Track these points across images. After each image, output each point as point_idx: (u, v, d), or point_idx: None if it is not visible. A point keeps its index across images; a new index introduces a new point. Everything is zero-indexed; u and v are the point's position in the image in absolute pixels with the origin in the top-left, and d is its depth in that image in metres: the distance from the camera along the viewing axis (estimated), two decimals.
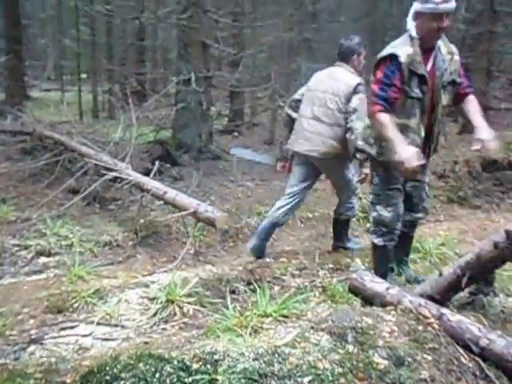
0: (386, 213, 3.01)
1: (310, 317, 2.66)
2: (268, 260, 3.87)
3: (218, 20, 8.61)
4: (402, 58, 2.65)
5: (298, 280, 3.36)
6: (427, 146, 2.96)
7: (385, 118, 2.67)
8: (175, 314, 2.42)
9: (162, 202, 5.16)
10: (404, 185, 3.05)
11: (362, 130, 3.26)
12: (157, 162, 5.92)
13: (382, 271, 3.15)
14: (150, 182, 4.97)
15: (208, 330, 2.14)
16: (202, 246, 4.65)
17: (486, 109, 8.96)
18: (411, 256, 3.82)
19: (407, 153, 2.55)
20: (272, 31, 10.52)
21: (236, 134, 11.91)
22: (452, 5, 2.57)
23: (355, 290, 2.78)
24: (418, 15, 2.66)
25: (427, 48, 2.72)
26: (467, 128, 9.00)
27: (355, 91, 3.65)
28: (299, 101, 4.05)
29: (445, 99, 2.83)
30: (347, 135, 3.65)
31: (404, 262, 3.38)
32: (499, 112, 10.50)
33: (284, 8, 10.46)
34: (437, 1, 2.53)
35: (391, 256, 3.21)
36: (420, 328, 2.09)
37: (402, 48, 2.70)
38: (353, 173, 4.03)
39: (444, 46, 2.79)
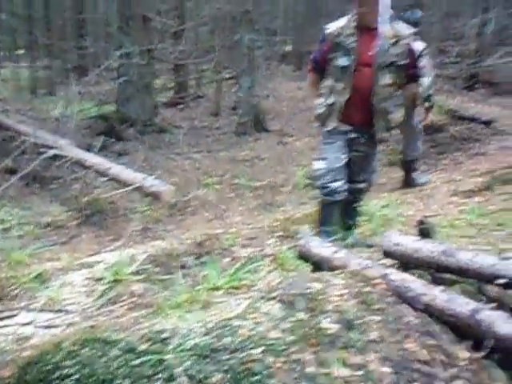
0: (317, 165, 3.22)
1: (261, 286, 2.61)
2: (217, 231, 3.79)
3: None
4: (329, 30, 3.06)
5: (247, 250, 3.30)
6: (369, 117, 3.08)
7: (310, 77, 3.33)
8: (123, 294, 2.30)
9: (106, 179, 4.94)
10: (349, 152, 3.18)
11: None
12: (100, 138, 5.65)
13: (323, 229, 3.26)
14: (92, 158, 4.74)
15: (157, 309, 2.04)
16: (150, 222, 4.50)
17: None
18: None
19: None
20: (213, 3, 10.21)
21: (181, 106, 11.60)
22: None
23: (304, 257, 2.77)
24: None
25: (366, 27, 2.98)
26: None
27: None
28: None
29: (385, 78, 2.99)
30: None
31: (349, 227, 3.40)
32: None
33: None
34: None
35: (332, 214, 3.29)
36: (367, 289, 2.09)
37: (336, 22, 3.09)
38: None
39: (391, 29, 2.96)
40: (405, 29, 3.05)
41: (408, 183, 5.17)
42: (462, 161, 6.78)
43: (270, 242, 3.68)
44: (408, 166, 5.19)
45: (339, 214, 3.35)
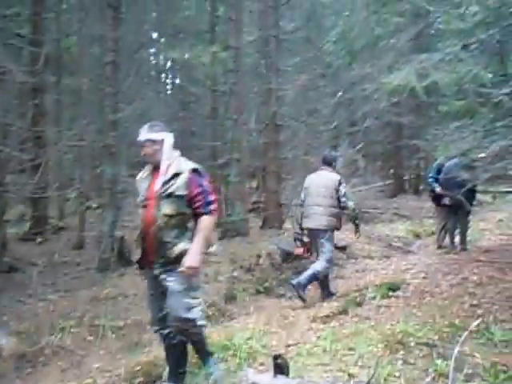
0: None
1: None
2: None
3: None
4: (137, 176, 3.44)
5: None
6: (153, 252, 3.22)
7: None
8: None
9: None
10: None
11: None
12: None
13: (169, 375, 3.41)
14: None
15: None
16: None
17: (279, 205, 10.08)
18: (222, 355, 3.89)
19: None
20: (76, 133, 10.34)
21: (39, 240, 11.01)
22: (142, 137, 3.33)
23: None
24: None
25: (155, 167, 3.32)
26: (267, 223, 9.93)
27: (340, 183, 5.61)
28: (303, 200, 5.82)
29: (166, 208, 3.17)
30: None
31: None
32: (292, 208, 11.92)
33: (84, 115, 10.49)
34: (140, 132, 3.35)
35: (169, 359, 3.47)
36: None
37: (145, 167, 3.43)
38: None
39: (174, 166, 3.25)
40: (186, 165, 3.28)
41: (325, 297, 5.79)
42: None
43: None
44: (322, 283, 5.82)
45: (177, 357, 3.39)
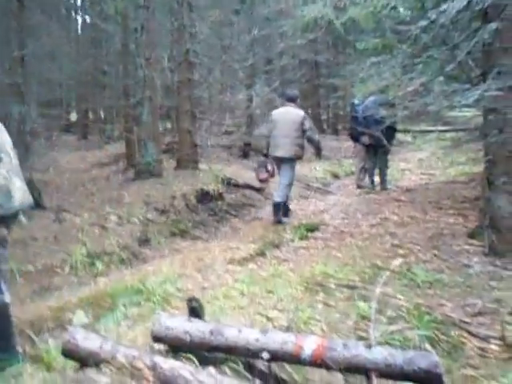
0: None
1: None
2: None
3: None
4: None
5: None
6: None
7: None
8: None
9: None
10: None
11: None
12: None
13: None
14: None
15: None
16: None
17: (194, 146, 9.88)
18: (135, 298, 3.80)
19: None
20: None
21: None
22: None
23: (70, 353, 2.56)
24: None
25: None
26: (182, 164, 9.72)
27: (305, 118, 6.31)
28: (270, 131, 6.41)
29: None
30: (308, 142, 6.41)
31: None
32: (207, 148, 11.74)
33: None
34: None
35: None
36: None
37: None
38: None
39: None
40: None
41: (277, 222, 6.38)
42: (240, 227, 7.34)
43: (37, 337, 3.36)
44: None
45: None
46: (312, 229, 5.74)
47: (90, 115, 19.61)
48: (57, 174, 11.02)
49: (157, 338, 2.36)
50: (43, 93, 15.66)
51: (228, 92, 10.78)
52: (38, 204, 7.83)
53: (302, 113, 6.39)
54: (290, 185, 6.47)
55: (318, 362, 2.13)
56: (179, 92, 9.93)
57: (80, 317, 3.66)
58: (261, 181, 7.02)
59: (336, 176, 11.43)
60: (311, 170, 11.74)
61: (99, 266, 5.70)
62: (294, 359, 2.18)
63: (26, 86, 8.29)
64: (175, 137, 11.27)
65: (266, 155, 6.57)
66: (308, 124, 6.32)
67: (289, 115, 6.36)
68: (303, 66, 17.65)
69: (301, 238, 5.43)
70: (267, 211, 8.01)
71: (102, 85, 16.55)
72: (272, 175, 6.68)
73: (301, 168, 12.31)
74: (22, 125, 8.04)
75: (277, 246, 5.29)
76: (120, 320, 3.36)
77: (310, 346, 2.14)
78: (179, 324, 2.32)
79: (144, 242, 6.45)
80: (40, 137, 9.04)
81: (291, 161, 6.34)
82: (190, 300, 2.50)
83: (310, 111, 18.84)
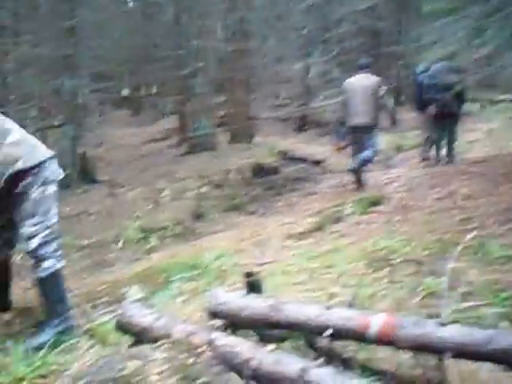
0: None
1: (73, 371, 2.31)
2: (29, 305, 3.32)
3: None
4: None
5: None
6: None
7: None
8: None
9: None
10: None
11: None
12: None
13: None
14: None
15: None
16: None
17: (249, 118, 9.72)
18: (190, 274, 3.76)
19: None
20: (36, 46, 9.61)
21: None
22: None
23: (125, 328, 2.52)
24: None
25: None
26: (236, 137, 9.60)
27: (380, 84, 6.34)
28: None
29: None
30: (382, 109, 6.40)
31: None
32: (262, 121, 11.53)
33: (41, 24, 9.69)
34: None
35: None
36: (191, 361, 1.96)
37: None
38: None
39: None
40: None
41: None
42: (297, 201, 7.20)
43: (92, 311, 3.37)
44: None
45: None
46: (374, 202, 5.49)
47: (143, 90, 19.76)
48: (109, 149, 11.23)
49: (213, 314, 2.27)
50: (94, 66, 15.91)
51: (283, 62, 10.48)
52: (91, 179, 8.03)
53: (376, 79, 6.41)
54: (376, 150, 6.43)
55: (385, 341, 1.97)
56: (234, 62, 9.70)
57: (135, 291, 3.63)
58: (338, 149, 7.10)
59: (399, 148, 10.96)
60: None
61: (153, 241, 5.74)
62: (359, 337, 2.02)
63: (78, 58, 8.33)
64: (229, 109, 11.15)
65: (342, 124, 6.67)
66: (383, 90, 6.34)
67: (365, 81, 6.38)
68: (362, 34, 16.95)
69: (362, 213, 5.21)
70: (325, 185, 7.84)
71: (153, 58, 16.57)
72: (347, 145, 6.82)
73: None
74: (73, 99, 8.12)
75: (336, 221, 5.12)
76: (175, 295, 3.31)
77: (376, 322, 1.97)
78: (236, 299, 2.21)
79: (198, 216, 6.44)
80: (92, 112, 9.17)
81: (372, 128, 6.34)
82: (248, 275, 2.38)
83: None
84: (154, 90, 19.92)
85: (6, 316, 3.11)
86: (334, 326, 2.00)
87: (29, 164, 2.69)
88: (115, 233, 5.88)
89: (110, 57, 17.72)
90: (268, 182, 7.59)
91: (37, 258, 2.73)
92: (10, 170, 2.63)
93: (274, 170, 7.81)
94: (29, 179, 2.70)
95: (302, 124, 12.88)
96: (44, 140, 9.85)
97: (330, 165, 8.96)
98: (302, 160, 8.72)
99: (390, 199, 5.52)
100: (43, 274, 2.73)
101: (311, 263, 3.66)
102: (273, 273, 3.57)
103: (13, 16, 11.15)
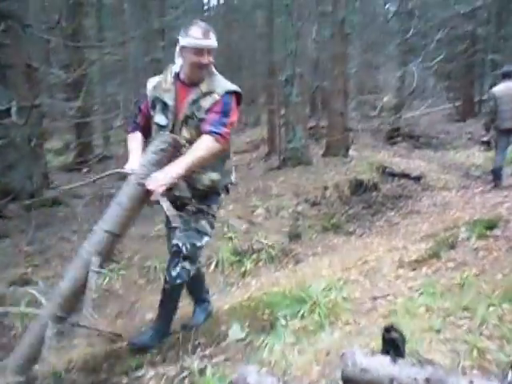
0: None
1: None
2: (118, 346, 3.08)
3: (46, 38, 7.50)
4: (149, 86, 2.91)
5: (160, 370, 2.64)
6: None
7: (129, 137, 2.91)
8: None
9: None
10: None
11: None
12: None
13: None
14: None
15: None
16: None
17: (345, 130, 9.20)
18: (297, 309, 3.36)
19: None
20: (116, 51, 9.72)
21: (85, 170, 10.82)
22: (211, 42, 2.67)
23: None
24: (181, 49, 2.74)
25: (190, 82, 2.77)
26: (330, 150, 9.12)
27: None
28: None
29: (187, 133, 2.73)
30: None
31: None
32: (357, 133, 10.97)
33: (129, 25, 9.85)
34: (196, 36, 2.63)
35: None
36: None
37: (156, 77, 2.98)
38: None
39: (206, 84, 2.75)
40: (224, 84, 2.78)
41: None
42: (398, 221, 6.66)
43: (191, 355, 3.04)
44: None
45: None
46: (490, 226, 4.86)
47: None
48: None
49: (349, 380, 1.86)
50: None
51: (378, 70, 9.88)
52: None
53: None
54: None
55: None
56: (332, 68, 9.12)
57: (236, 331, 3.27)
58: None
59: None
60: (468, 156, 10.64)
61: (247, 264, 5.43)
62: None
63: (167, 63, 8.30)
64: (319, 119, 10.68)
65: (487, 129, 7.38)
66: None
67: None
68: (458, 41, 15.91)
69: (478, 237, 4.60)
70: (425, 204, 7.25)
71: (241, 64, 16.38)
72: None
73: (457, 154, 11.17)
74: None
75: (451, 247, 4.55)
76: (283, 339, 2.91)
77: None
78: (381, 366, 1.79)
79: (294, 237, 6.04)
80: None
81: None
82: (388, 329, 1.94)
83: (461, 92, 17.01)
84: None
85: None
86: None
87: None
88: (207, 254, 5.63)
89: None
90: (367, 199, 7.07)
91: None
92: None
93: (374, 187, 7.26)
94: None
95: (393, 136, 12.21)
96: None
97: (430, 181, 8.31)
98: (402, 176, 8.10)
99: (508, 222, 4.87)
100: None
101: (439, 301, 3.14)
102: (394, 312, 3.10)
103: (96, 21, 11.43)
